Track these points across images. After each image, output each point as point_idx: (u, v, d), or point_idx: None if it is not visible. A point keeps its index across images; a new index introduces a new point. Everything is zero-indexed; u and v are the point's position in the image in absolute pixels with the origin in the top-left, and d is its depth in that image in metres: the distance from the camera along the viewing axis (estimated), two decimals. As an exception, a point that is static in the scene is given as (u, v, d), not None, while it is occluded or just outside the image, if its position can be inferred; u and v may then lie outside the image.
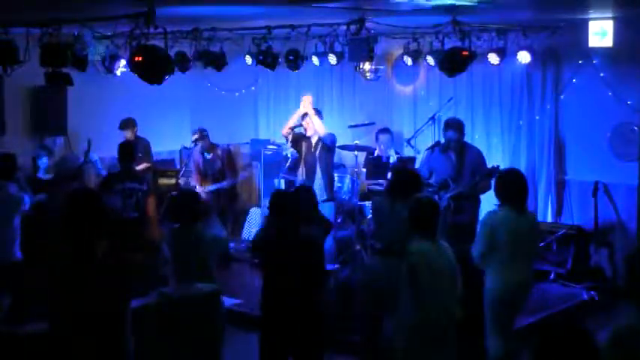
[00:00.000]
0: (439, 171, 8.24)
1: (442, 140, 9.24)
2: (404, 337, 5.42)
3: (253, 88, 12.12)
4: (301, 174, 8.84)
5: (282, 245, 5.54)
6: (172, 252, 6.05)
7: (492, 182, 7.93)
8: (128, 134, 10.17)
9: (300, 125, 9.96)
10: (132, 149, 8.39)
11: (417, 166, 8.91)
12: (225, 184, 9.79)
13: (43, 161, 9.25)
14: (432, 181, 8.31)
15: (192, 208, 6.04)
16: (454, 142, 8.20)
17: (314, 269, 5.51)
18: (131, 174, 8.07)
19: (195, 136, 9.74)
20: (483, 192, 7.95)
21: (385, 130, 9.99)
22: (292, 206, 5.60)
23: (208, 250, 5.99)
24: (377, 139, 9.96)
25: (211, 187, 9.72)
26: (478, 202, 8.25)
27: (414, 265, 5.35)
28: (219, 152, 9.87)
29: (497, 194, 6.12)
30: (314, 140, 8.87)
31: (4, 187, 7.32)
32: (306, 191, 6.54)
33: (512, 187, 6.06)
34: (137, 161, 10.10)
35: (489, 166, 8.18)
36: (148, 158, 10.30)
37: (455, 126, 8.24)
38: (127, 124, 10.20)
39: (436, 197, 8.27)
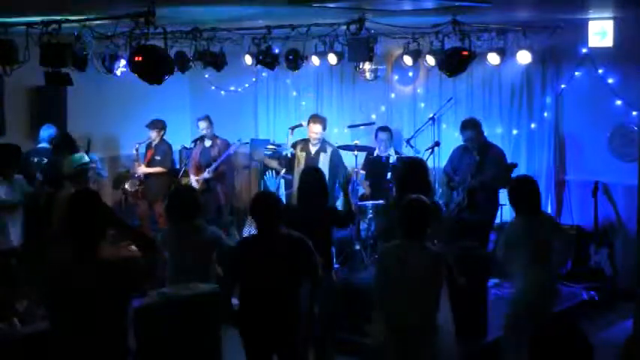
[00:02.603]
0: (461, 169, 8.33)
1: (441, 141, 9.32)
2: (378, 337, 5.41)
3: (252, 88, 12.11)
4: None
5: (259, 247, 5.38)
6: (169, 251, 6.03)
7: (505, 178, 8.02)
8: (153, 134, 10.26)
9: (301, 125, 10.03)
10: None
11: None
12: (216, 162, 9.96)
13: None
14: (456, 178, 8.39)
15: (189, 205, 6.02)
16: (472, 141, 8.27)
17: (294, 269, 5.36)
18: None
19: (203, 124, 10.05)
20: (501, 186, 8.00)
21: (384, 129, 10.00)
22: (268, 207, 5.41)
23: (207, 248, 5.97)
24: (376, 136, 9.98)
25: (205, 175, 9.91)
26: (496, 200, 8.28)
27: (378, 266, 5.37)
28: (218, 142, 10.17)
29: (511, 203, 6.14)
30: (313, 150, 9.11)
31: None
32: (314, 173, 6.58)
33: (524, 194, 6.05)
34: (153, 164, 10.21)
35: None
36: (167, 163, 10.35)
37: (468, 125, 8.33)
38: (155, 124, 10.30)
39: (455, 194, 8.37)
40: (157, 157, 10.25)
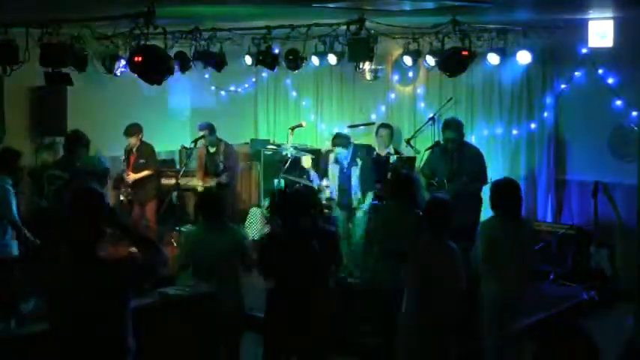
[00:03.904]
0: (438, 171, 8.32)
1: (441, 141, 9.30)
2: (409, 337, 5.43)
3: (252, 88, 12.12)
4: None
5: (288, 242, 5.53)
6: (196, 250, 6.00)
7: (479, 184, 8.09)
8: (133, 140, 10.14)
9: (301, 125, 10.03)
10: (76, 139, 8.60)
11: (417, 165, 8.95)
12: (223, 178, 9.86)
13: None
14: (434, 181, 8.39)
15: (220, 205, 6.05)
16: (452, 142, 8.28)
17: (321, 263, 5.51)
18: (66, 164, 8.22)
19: (204, 132, 9.87)
20: (474, 192, 8.04)
21: (386, 126, 10.01)
22: (294, 203, 5.61)
23: (233, 248, 5.98)
24: (377, 133, 9.99)
25: (212, 183, 9.84)
26: (478, 201, 8.28)
27: (418, 265, 5.40)
28: (222, 147, 10.03)
29: (491, 203, 6.18)
30: (345, 163, 9.17)
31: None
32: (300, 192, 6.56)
33: (505, 196, 6.09)
34: (139, 168, 10.14)
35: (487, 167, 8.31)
36: (153, 164, 10.24)
37: (452, 126, 8.33)
38: (132, 130, 10.15)
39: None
40: (142, 161, 10.15)
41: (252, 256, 6.00)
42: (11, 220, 7.26)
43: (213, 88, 11.92)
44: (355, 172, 9.13)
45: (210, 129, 9.92)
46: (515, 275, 5.97)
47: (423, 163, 8.63)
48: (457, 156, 8.31)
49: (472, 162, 8.27)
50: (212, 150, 10.04)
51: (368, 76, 10.35)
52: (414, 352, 5.40)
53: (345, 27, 7.77)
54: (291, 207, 5.61)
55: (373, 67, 10.08)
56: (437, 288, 5.30)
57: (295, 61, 9.45)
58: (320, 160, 9.46)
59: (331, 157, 9.25)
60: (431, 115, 9.70)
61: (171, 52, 8.37)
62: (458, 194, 8.04)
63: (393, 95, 10.74)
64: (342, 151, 9.14)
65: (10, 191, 7.30)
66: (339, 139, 9.28)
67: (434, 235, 5.46)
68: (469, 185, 8.12)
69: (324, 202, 9.10)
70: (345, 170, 9.18)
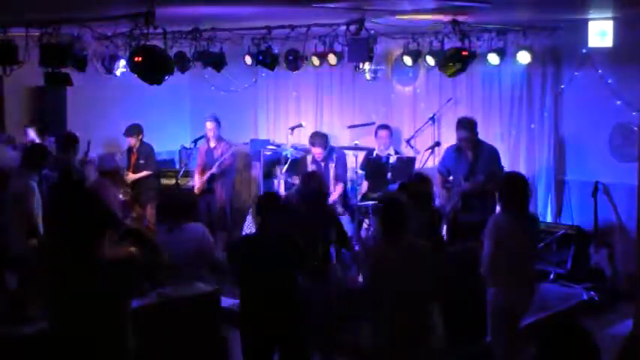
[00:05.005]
0: (454, 170, 8.35)
1: (441, 141, 9.32)
2: (373, 338, 5.40)
3: (252, 88, 12.11)
4: None
5: (257, 244, 5.54)
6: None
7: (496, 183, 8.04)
8: (133, 141, 10.19)
9: (301, 125, 10.03)
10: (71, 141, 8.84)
11: (416, 165, 8.96)
12: (214, 169, 9.94)
13: None
14: (450, 179, 8.42)
15: (177, 205, 6.04)
16: (465, 141, 8.30)
17: (289, 265, 5.50)
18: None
19: (210, 125, 10.07)
20: (493, 191, 8.02)
21: (384, 126, 10.01)
22: (270, 206, 5.60)
23: (193, 246, 5.96)
24: (376, 134, 9.99)
25: (206, 176, 9.98)
26: (492, 200, 8.29)
27: (368, 267, 5.36)
28: (222, 143, 10.15)
29: (499, 198, 6.14)
30: (323, 163, 9.13)
31: (26, 176, 7.27)
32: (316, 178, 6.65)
33: (512, 190, 6.05)
34: (139, 168, 10.16)
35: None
36: (151, 165, 10.26)
37: (465, 125, 8.36)
38: (132, 131, 10.19)
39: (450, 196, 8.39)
40: (141, 161, 10.19)
41: (216, 256, 6.03)
42: (28, 217, 7.21)
43: (213, 88, 11.92)
44: (332, 167, 9.09)
45: (216, 122, 10.13)
46: (522, 274, 5.94)
47: (438, 162, 8.67)
48: (472, 155, 8.33)
49: (488, 161, 8.29)
50: (213, 144, 10.15)
51: (368, 77, 10.35)
52: (381, 355, 5.32)
53: (345, 27, 7.77)
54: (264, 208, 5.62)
55: (373, 67, 10.08)
56: (398, 292, 5.16)
57: (295, 61, 9.46)
58: (300, 164, 9.44)
59: (309, 158, 9.20)
60: (431, 115, 9.70)
61: (171, 52, 8.39)
62: (473, 193, 8.07)
63: (393, 95, 10.74)
64: (320, 152, 9.09)
65: (34, 189, 7.26)
66: (318, 139, 9.20)
67: (390, 237, 5.27)
68: (485, 184, 8.12)
69: None
70: (322, 170, 9.07)
